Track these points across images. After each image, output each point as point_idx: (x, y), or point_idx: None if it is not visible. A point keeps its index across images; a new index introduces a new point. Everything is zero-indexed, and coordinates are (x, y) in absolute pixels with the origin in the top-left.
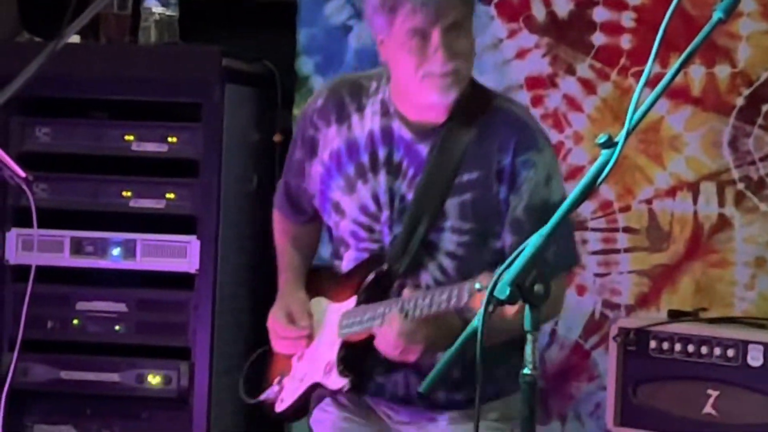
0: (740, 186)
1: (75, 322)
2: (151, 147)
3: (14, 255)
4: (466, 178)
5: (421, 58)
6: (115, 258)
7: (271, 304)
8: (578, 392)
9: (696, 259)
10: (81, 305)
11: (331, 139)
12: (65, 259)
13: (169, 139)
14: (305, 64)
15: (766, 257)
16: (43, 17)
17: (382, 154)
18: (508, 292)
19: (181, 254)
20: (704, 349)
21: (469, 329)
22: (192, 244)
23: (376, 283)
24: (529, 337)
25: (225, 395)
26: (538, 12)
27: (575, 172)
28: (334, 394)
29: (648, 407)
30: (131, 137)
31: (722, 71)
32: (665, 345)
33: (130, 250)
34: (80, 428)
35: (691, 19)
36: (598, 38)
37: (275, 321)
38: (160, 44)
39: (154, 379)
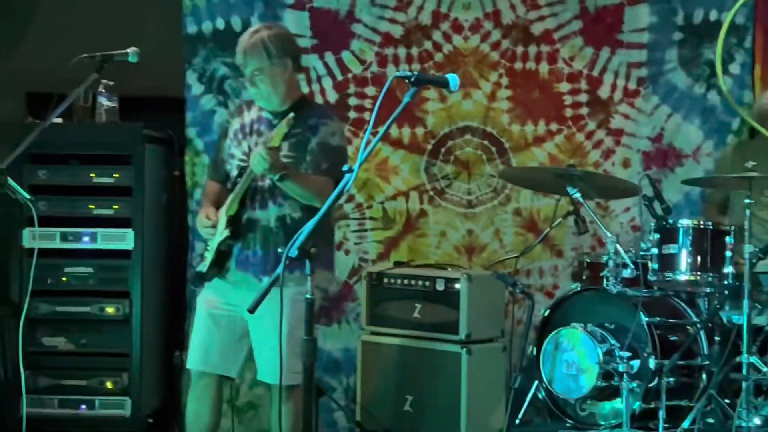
0: (431, 193)
1: None
2: (104, 179)
3: None
4: (297, 131)
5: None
6: None
7: None
8: (347, 308)
9: (408, 233)
10: None
11: (234, 124)
12: None
13: (115, 175)
14: (191, 132)
15: (447, 233)
16: (42, 107)
17: (256, 127)
18: (296, 253)
19: None
20: (413, 282)
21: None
22: None
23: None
24: (308, 278)
25: None
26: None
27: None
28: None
29: (384, 314)
30: (93, 174)
31: (419, 130)
32: (393, 280)
33: None
34: None
35: (399, 101)
36: (352, 114)
37: (199, 221)
38: (108, 122)
39: None
